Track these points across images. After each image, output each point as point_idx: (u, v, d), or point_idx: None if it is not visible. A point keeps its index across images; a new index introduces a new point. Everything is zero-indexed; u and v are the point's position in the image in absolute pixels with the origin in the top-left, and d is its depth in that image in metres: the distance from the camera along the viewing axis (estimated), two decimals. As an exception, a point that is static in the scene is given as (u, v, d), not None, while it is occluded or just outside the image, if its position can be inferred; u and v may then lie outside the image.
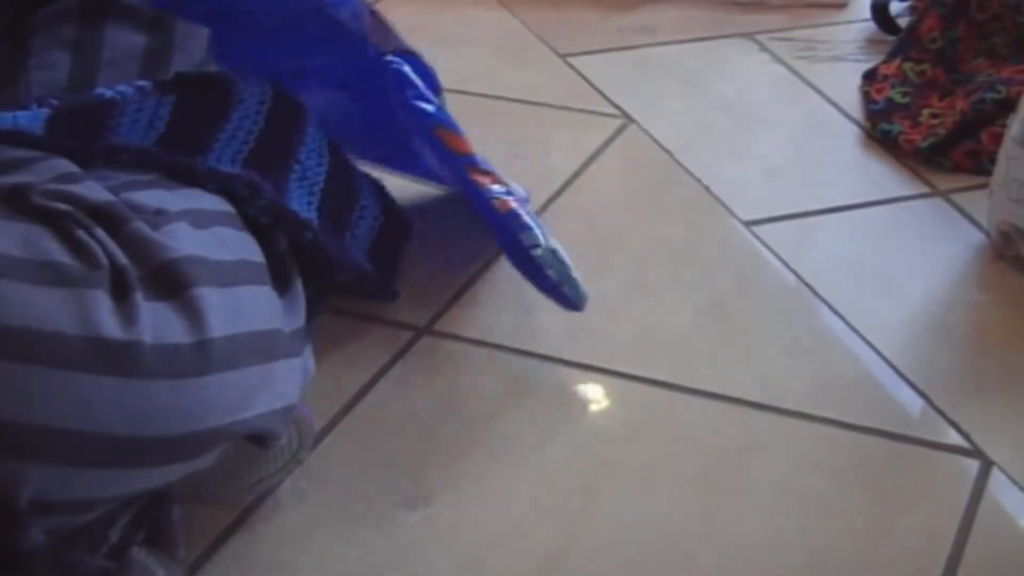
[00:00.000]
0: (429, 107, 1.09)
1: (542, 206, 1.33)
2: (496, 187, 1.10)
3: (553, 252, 1.08)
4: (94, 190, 0.82)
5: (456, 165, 1.10)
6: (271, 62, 1.06)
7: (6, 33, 1.00)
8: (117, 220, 0.81)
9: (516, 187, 1.16)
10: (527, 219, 1.09)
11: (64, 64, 1.01)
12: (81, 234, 0.78)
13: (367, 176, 1.17)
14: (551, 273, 1.08)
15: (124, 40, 1.03)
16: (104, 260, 0.78)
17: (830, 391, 1.08)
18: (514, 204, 1.09)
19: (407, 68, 1.11)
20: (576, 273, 1.09)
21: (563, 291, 1.09)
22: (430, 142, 1.10)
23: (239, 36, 1.05)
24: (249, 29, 1.05)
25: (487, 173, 1.11)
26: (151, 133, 0.96)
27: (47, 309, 0.74)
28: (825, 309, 1.19)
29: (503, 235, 1.09)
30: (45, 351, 0.74)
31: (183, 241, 0.84)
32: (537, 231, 1.08)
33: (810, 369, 1.11)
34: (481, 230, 1.26)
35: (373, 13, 1.13)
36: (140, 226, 0.82)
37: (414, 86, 1.10)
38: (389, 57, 1.11)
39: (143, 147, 0.95)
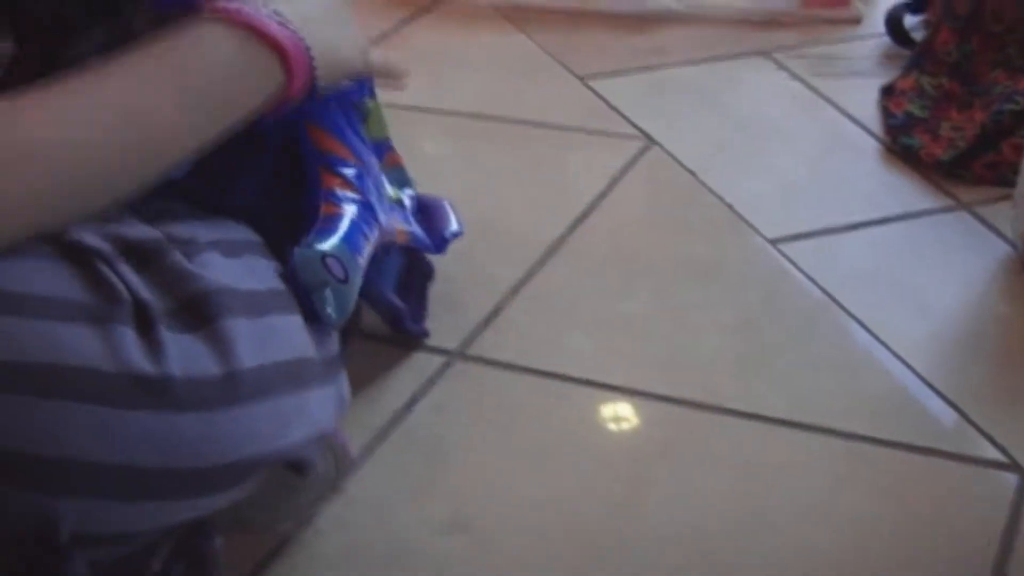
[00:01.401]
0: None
1: (568, 228, 1.33)
2: (342, 192, 1.04)
3: (323, 257, 0.96)
4: (135, 228, 0.83)
5: (312, 160, 1.05)
6: None
7: (37, 69, 1.01)
8: (156, 254, 0.82)
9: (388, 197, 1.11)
10: (342, 224, 1.00)
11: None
12: (103, 269, 0.79)
13: None
14: (302, 276, 0.95)
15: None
16: (126, 295, 0.78)
17: (861, 407, 1.08)
18: (343, 210, 1.02)
19: None
20: (348, 290, 0.97)
21: (312, 297, 0.95)
22: (301, 130, 1.05)
23: None
24: None
25: (339, 177, 1.05)
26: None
27: (73, 344, 0.74)
28: (853, 324, 1.19)
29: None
30: (75, 386, 0.74)
31: (215, 271, 0.84)
32: (335, 239, 0.98)
33: (840, 385, 1.11)
34: (506, 253, 1.27)
35: None
36: (177, 257, 0.82)
37: None
38: None
39: (172, 176, 0.95)
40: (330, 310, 0.95)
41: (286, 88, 0.89)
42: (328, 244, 0.97)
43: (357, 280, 0.99)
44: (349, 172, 1.05)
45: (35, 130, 0.77)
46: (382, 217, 1.06)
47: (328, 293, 0.95)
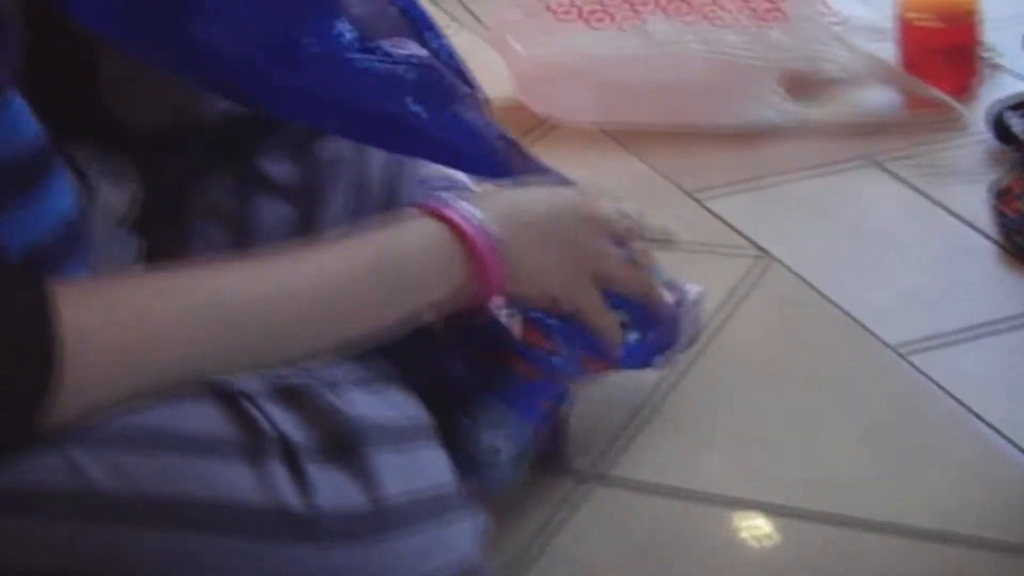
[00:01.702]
0: None
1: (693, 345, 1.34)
2: (540, 351, 1.06)
3: (490, 441, 1.00)
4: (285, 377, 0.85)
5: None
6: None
7: (168, 212, 1.04)
8: (299, 392, 0.84)
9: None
10: (522, 391, 1.04)
11: (219, 238, 1.05)
12: (247, 406, 0.81)
13: None
14: (469, 451, 1.00)
15: (273, 212, 1.07)
16: (271, 431, 0.80)
17: (1008, 515, 1.06)
18: (533, 373, 1.05)
19: None
20: (512, 465, 1.03)
21: (489, 471, 1.02)
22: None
23: None
24: None
25: (539, 330, 1.06)
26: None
27: (229, 481, 0.77)
28: (988, 430, 1.17)
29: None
30: (232, 522, 0.76)
31: (357, 405, 0.86)
32: (505, 411, 1.02)
33: (982, 493, 1.10)
34: (633, 372, 1.27)
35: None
36: (320, 395, 0.85)
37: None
38: None
39: None
40: (492, 481, 1.00)
41: (476, 284, 0.93)
42: (497, 418, 1.00)
43: (523, 447, 1.01)
44: (550, 322, 1.04)
45: (231, 292, 0.82)
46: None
47: (490, 471, 0.99)
